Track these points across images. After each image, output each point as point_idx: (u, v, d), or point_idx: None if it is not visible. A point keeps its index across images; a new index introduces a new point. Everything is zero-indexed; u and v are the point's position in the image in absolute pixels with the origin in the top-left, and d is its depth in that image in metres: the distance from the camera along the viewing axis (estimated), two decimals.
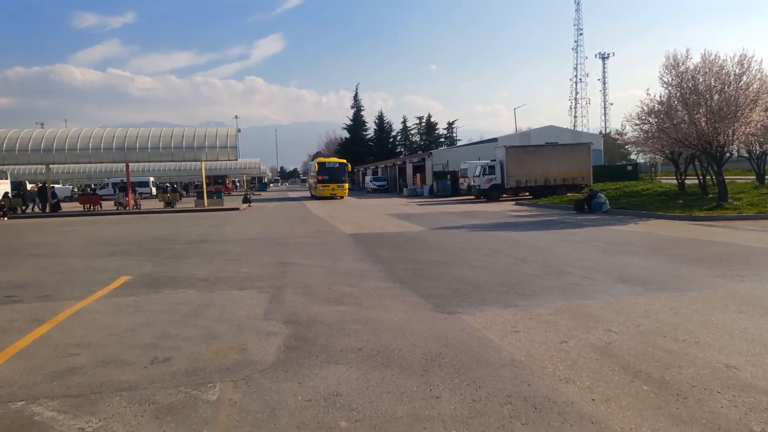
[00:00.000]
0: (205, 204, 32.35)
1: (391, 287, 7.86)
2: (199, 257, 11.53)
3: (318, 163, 43.08)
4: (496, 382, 4.16)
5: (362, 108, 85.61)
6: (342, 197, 41.78)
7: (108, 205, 35.18)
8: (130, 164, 32.68)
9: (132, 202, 33.00)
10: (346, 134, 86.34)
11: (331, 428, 3.48)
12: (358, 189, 67.59)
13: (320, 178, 41.72)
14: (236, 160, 33.55)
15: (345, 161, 44.50)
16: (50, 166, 32.57)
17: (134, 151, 30.06)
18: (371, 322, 5.97)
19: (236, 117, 78.33)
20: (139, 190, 49.45)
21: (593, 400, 3.79)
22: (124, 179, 34.37)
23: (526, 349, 4.91)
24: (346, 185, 42.72)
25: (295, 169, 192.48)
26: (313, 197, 44.19)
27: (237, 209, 30.28)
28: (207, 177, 46.06)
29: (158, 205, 35.09)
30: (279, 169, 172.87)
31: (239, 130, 32.76)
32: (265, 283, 8.32)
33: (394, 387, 4.11)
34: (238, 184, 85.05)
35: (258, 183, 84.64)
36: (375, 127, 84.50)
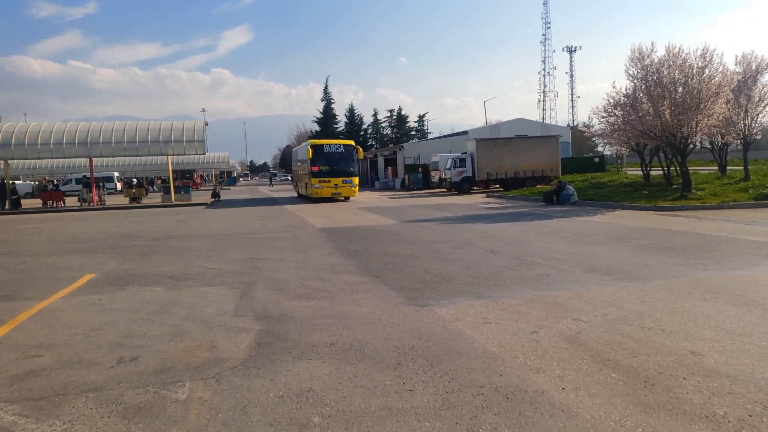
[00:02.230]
0: (173, 199, 31.75)
1: (363, 281, 7.84)
2: (167, 254, 11.30)
3: (312, 147, 28.46)
4: (468, 373, 4.18)
5: (332, 101, 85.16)
6: (348, 198, 29.18)
7: (71, 201, 34.20)
8: (93, 159, 31.83)
9: (96, 197, 32.16)
10: (316, 127, 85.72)
11: (304, 424, 3.44)
12: None
13: (315, 169, 28.01)
14: (204, 154, 33.00)
15: (353, 143, 30.21)
16: (9, 161, 31.46)
17: (98, 145, 29.24)
18: (343, 316, 5.94)
19: (203, 110, 77.18)
20: (104, 185, 48.28)
21: (563, 388, 3.84)
22: (88, 174, 33.46)
23: (498, 339, 4.95)
24: (356, 179, 28.99)
25: (264, 163, 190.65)
26: (301, 197, 32.56)
27: (205, 204, 29.79)
28: (174, 171, 45.20)
29: (123, 200, 34.28)
30: (248, 163, 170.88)
31: (206, 124, 32.21)
32: (235, 279, 8.20)
33: (367, 381, 4.09)
34: (206, 178, 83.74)
35: (227, 177, 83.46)
36: (346, 120, 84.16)
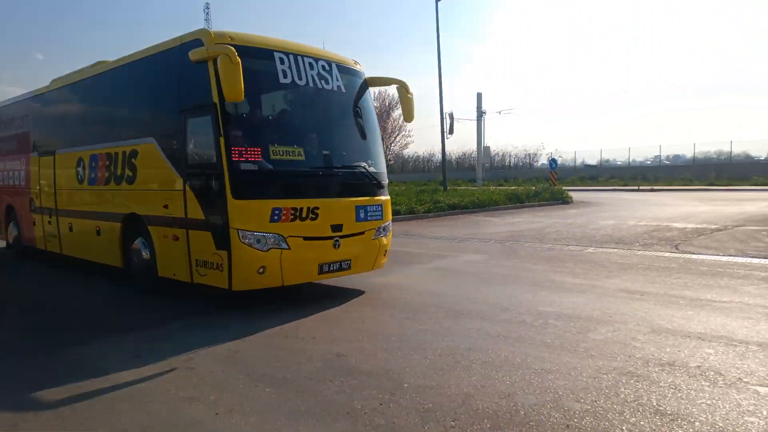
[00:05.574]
0: None
1: None
2: None
3: (229, 59, 5.15)
4: (110, 416, 3.60)
5: None
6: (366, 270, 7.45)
7: None
8: None
9: None
10: None
11: None
12: None
13: (242, 159, 5.65)
14: None
15: (359, 65, 7.28)
16: None
17: None
18: None
19: None
20: None
21: (217, 414, 3.65)
22: None
23: (147, 376, 4.45)
24: (388, 201, 7.40)
25: None
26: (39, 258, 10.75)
27: None
28: None
29: None
30: None
31: None
32: None
33: None
34: None
35: None
36: None
